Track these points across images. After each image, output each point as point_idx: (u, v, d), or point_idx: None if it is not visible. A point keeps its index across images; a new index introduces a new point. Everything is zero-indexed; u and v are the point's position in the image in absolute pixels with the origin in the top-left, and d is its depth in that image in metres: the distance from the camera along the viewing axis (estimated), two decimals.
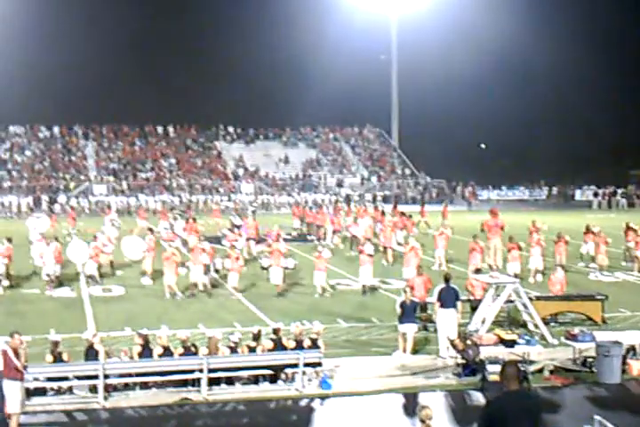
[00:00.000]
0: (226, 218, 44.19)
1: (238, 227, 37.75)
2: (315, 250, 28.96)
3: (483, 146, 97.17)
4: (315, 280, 27.18)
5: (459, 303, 19.81)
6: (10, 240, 29.72)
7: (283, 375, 17.34)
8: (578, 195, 78.48)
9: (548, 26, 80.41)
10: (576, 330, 19.10)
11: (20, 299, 26.26)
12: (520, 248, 29.52)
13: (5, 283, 28.14)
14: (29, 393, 15.68)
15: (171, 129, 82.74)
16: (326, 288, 27.24)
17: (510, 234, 30.88)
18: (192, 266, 27.44)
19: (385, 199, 71.73)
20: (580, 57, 79.81)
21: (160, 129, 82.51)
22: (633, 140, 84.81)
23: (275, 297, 26.48)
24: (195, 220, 38.66)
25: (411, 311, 19.62)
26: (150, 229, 33.65)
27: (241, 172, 77.28)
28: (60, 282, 28.75)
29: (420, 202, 60.10)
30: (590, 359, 18.11)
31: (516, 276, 26.23)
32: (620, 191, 75.31)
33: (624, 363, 17.74)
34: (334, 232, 40.60)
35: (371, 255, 28.01)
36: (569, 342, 18.81)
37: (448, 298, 19.66)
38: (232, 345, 17.54)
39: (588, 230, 33.28)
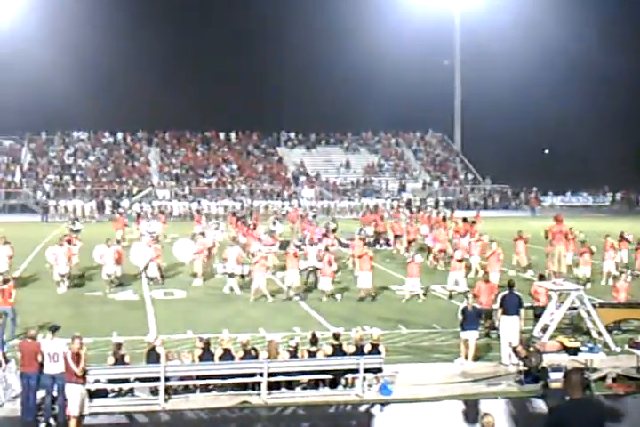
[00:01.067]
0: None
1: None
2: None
3: (547, 151, 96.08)
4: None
5: (522, 310, 19.59)
6: (70, 242, 30.49)
7: (343, 380, 17.27)
8: None
9: (621, 24, 79.04)
10: None
11: (84, 301, 26.57)
12: (592, 252, 29.64)
13: (67, 283, 28.86)
14: (91, 395, 15.84)
15: (233, 135, 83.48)
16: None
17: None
18: (289, 270, 27.66)
19: (447, 205, 71.38)
20: None
21: (222, 135, 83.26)
22: None
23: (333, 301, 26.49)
24: (255, 226, 38.87)
25: (473, 318, 19.42)
26: (202, 234, 34.47)
27: (302, 177, 77.50)
28: (120, 283, 29.52)
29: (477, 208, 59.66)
30: None
31: (587, 280, 26.04)
32: None
33: None
34: (409, 242, 38.85)
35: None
36: (632, 349, 18.52)
37: (511, 305, 19.43)
38: (291, 349, 17.54)
39: None
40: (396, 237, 40.59)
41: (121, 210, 62.68)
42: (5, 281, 21.73)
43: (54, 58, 73.96)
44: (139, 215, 52.63)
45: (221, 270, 29.97)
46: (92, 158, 77.24)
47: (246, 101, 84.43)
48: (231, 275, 28.62)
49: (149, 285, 29.79)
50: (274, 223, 41.66)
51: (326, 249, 30.14)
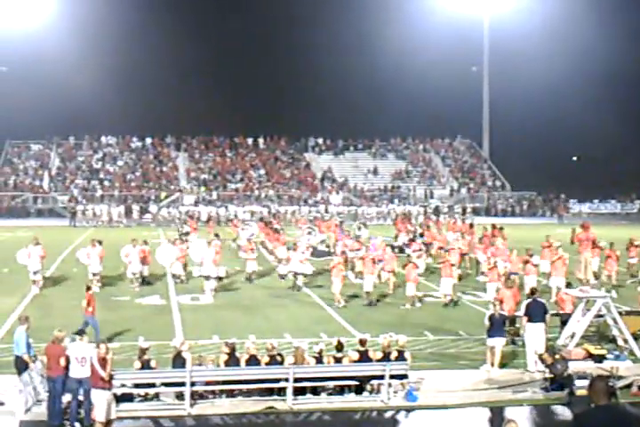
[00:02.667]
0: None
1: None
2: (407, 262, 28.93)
3: (575, 158, 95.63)
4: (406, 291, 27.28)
5: (547, 317, 19.55)
6: (101, 243, 31.12)
7: (368, 387, 17.29)
8: None
9: None
10: None
11: (111, 305, 26.71)
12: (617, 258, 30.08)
13: (98, 284, 29.63)
14: (117, 399, 15.93)
15: (261, 140, 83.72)
16: (415, 300, 27.22)
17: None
18: (367, 276, 27.86)
19: (475, 211, 71.31)
20: None
21: (250, 140, 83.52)
22: None
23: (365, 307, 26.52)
24: (278, 230, 39.07)
25: (499, 325, 19.40)
26: (217, 235, 35.71)
27: (329, 183, 77.59)
28: (148, 282, 30.85)
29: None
30: None
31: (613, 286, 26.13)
32: None
33: None
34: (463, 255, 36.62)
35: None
36: None
37: (536, 312, 19.38)
38: (317, 355, 17.59)
39: None
40: (427, 244, 39.71)
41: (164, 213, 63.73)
42: (88, 288, 22.06)
43: (83, 63, 74.68)
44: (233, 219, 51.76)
45: (197, 273, 30.13)
46: (120, 163, 77.82)
47: (274, 107, 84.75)
48: (207, 277, 28.98)
49: (175, 284, 30.52)
50: (359, 228, 41.56)
51: (408, 256, 30.71)
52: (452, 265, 28.43)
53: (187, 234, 40.61)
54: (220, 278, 29.50)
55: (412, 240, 36.79)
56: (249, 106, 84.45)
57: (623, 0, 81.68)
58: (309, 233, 40.90)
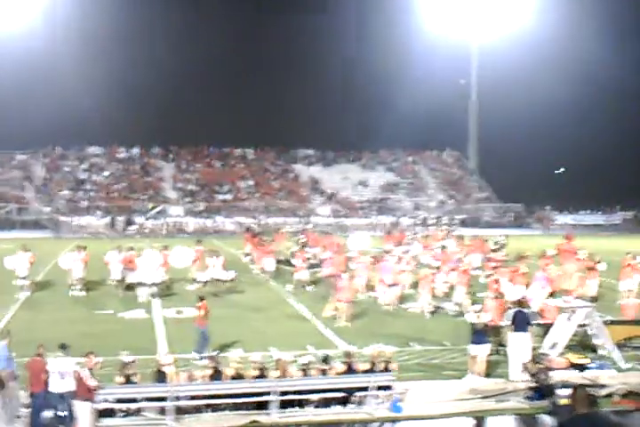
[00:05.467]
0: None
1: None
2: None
3: (560, 170, 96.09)
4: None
5: (532, 327, 19.67)
6: (85, 248, 32.14)
7: (354, 398, 17.32)
8: None
9: (635, 50, 79.33)
10: None
11: (94, 319, 26.66)
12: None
13: (79, 287, 30.77)
14: (99, 414, 15.87)
15: (250, 151, 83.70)
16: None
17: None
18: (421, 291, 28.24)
19: (462, 223, 71.59)
20: None
21: (239, 151, 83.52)
22: None
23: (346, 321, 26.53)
24: (269, 242, 39.11)
25: (482, 334, 19.51)
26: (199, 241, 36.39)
27: (318, 194, 77.69)
28: (131, 287, 30.90)
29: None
30: None
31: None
32: None
33: None
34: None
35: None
36: None
37: (520, 322, 19.54)
38: (303, 368, 17.63)
39: None
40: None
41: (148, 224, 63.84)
42: (201, 299, 22.23)
43: (70, 73, 74.34)
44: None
45: (133, 279, 30.64)
46: (106, 174, 77.49)
47: (264, 118, 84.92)
48: (141, 283, 29.63)
49: (161, 298, 30.29)
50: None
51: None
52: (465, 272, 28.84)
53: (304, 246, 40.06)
54: (155, 284, 30.34)
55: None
56: (238, 116, 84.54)
57: (604, 15, 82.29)
58: (304, 246, 40.85)
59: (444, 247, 37.23)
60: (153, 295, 29.78)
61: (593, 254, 31.46)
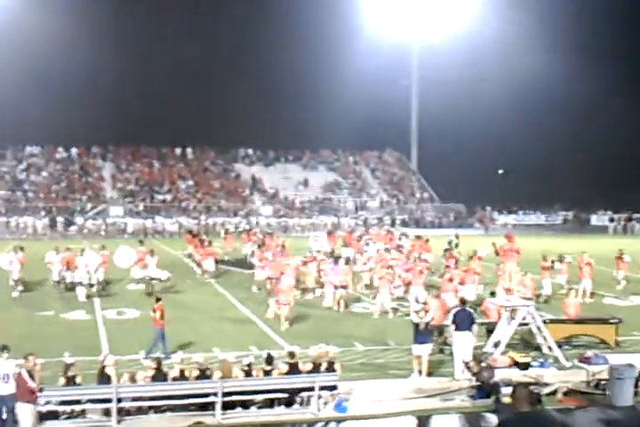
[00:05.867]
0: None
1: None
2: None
3: (501, 171, 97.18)
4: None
5: (474, 326, 19.81)
6: (22, 249, 32.22)
7: (298, 399, 17.28)
8: (594, 220, 78.51)
9: (571, 51, 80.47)
10: (589, 353, 19.22)
11: (35, 321, 26.31)
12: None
13: (20, 288, 30.70)
14: (42, 417, 15.67)
15: (189, 151, 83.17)
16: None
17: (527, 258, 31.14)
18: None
19: (404, 223, 72.05)
20: (601, 84, 79.80)
21: (178, 151, 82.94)
22: None
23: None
24: (210, 243, 38.87)
25: (425, 334, 19.59)
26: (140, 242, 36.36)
27: (259, 194, 77.53)
28: (68, 287, 30.93)
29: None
30: (603, 382, 18.09)
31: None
32: (635, 216, 75.19)
33: (637, 386, 17.71)
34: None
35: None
36: (582, 364, 18.92)
37: (463, 321, 19.67)
38: (246, 369, 17.55)
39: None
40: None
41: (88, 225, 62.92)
42: (157, 300, 22.27)
43: (7, 73, 73.14)
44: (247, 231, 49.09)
45: (70, 279, 30.71)
46: (44, 174, 76.45)
47: (203, 117, 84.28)
48: (80, 283, 29.73)
49: (101, 298, 29.94)
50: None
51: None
52: (421, 273, 29.00)
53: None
54: (91, 285, 30.66)
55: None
56: (177, 116, 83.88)
57: (544, 15, 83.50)
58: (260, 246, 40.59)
59: (400, 247, 37.42)
60: (92, 295, 29.69)
61: (546, 255, 32.05)
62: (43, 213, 67.87)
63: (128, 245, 36.29)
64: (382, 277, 28.28)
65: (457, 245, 38.38)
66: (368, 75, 77.88)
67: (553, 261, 31.51)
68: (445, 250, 35.52)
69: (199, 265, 37.89)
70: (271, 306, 26.62)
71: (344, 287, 28.83)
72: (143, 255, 33.24)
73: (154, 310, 21.74)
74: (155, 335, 21.35)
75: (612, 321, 22.83)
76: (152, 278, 31.58)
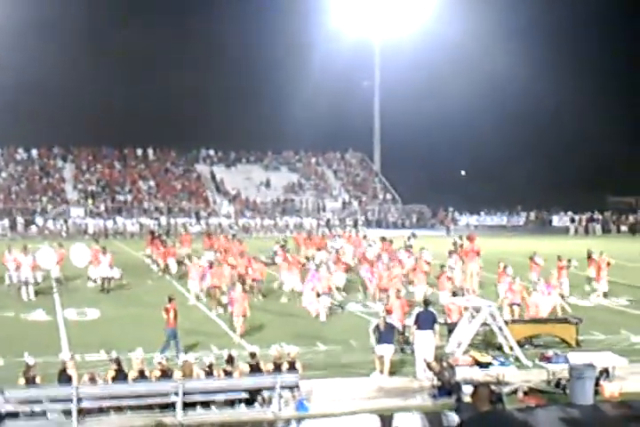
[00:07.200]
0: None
1: None
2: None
3: (463, 172, 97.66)
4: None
5: (436, 326, 19.88)
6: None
7: (259, 398, 17.24)
8: (555, 221, 79.14)
9: (532, 53, 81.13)
10: (550, 352, 19.36)
11: None
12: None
13: None
14: (1, 417, 15.51)
15: (150, 152, 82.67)
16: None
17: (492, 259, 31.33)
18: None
19: (366, 224, 72.16)
20: (562, 85, 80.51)
21: (139, 151, 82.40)
22: (611, 167, 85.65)
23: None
24: (165, 242, 38.87)
25: (387, 334, 19.61)
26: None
27: (221, 195, 77.27)
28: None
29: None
30: (564, 381, 18.22)
31: None
32: (596, 217, 75.90)
33: (597, 385, 17.85)
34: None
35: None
36: (543, 364, 19.08)
37: (425, 320, 19.72)
38: (207, 369, 17.48)
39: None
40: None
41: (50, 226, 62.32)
42: (170, 299, 22.08)
43: None
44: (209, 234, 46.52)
45: (16, 278, 30.80)
46: (4, 175, 75.59)
47: (165, 117, 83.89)
48: (25, 282, 29.89)
49: (61, 297, 29.92)
50: (408, 239, 40.88)
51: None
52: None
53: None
54: (37, 283, 30.98)
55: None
56: (138, 116, 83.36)
57: (508, 15, 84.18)
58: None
59: (369, 246, 37.47)
60: (41, 292, 29.96)
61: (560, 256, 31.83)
62: (3, 214, 67.04)
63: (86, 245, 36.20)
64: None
65: (411, 246, 38.44)
66: (331, 75, 77.91)
67: (569, 260, 31.23)
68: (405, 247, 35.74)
69: (159, 265, 37.74)
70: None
71: (327, 295, 27.97)
72: (97, 254, 33.34)
73: (166, 311, 21.57)
74: (167, 336, 21.34)
75: (572, 321, 23.04)
76: (105, 277, 31.95)
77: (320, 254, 36.77)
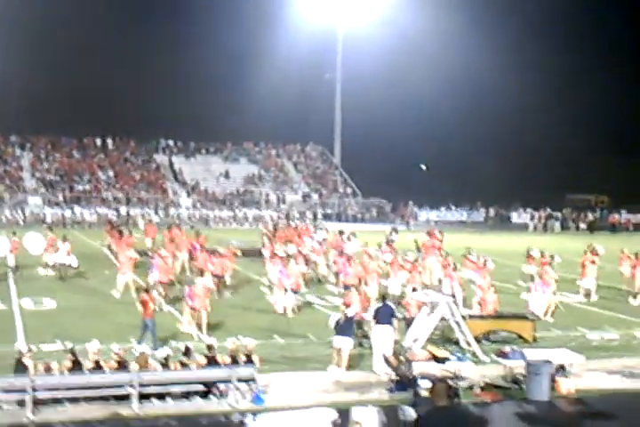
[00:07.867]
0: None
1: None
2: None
3: (423, 167, 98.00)
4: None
5: (395, 321, 19.91)
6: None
7: (215, 391, 17.19)
8: (515, 217, 79.70)
9: (495, 46, 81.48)
10: (507, 348, 19.49)
11: None
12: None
13: None
14: None
15: (109, 141, 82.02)
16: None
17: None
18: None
19: (326, 217, 72.19)
20: (525, 82, 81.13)
21: (98, 141, 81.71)
22: (570, 165, 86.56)
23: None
24: (131, 233, 38.39)
25: (346, 327, 19.63)
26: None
27: (180, 185, 76.92)
28: None
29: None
30: (520, 377, 18.34)
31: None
32: (555, 215, 76.59)
33: (553, 381, 17.98)
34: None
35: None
36: (500, 359, 19.21)
37: (383, 315, 19.75)
38: (163, 361, 17.40)
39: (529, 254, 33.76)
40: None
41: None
42: (146, 290, 21.88)
43: None
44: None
45: None
46: None
47: (124, 107, 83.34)
48: None
49: (17, 286, 29.40)
50: (390, 233, 40.57)
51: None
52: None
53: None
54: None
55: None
56: (97, 105, 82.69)
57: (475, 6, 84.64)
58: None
59: (348, 239, 37.32)
60: (1, 281, 30.20)
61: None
62: None
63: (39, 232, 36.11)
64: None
65: (393, 241, 38.35)
66: (292, 67, 77.82)
67: (552, 257, 31.23)
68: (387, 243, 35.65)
69: (116, 256, 37.39)
70: (185, 314, 24.24)
71: (295, 292, 27.16)
72: (52, 242, 33.24)
73: (143, 302, 21.11)
74: (145, 327, 21.08)
75: (529, 317, 23.26)
76: (63, 264, 31.96)
77: (290, 248, 35.88)
